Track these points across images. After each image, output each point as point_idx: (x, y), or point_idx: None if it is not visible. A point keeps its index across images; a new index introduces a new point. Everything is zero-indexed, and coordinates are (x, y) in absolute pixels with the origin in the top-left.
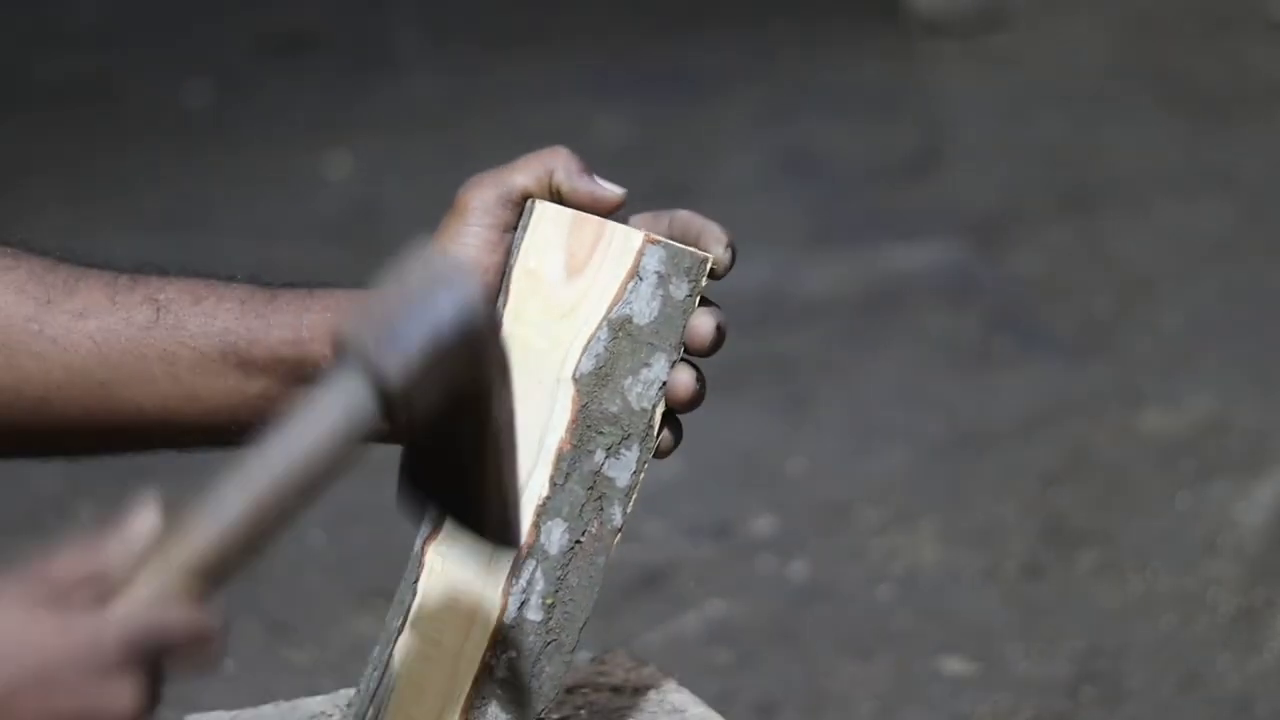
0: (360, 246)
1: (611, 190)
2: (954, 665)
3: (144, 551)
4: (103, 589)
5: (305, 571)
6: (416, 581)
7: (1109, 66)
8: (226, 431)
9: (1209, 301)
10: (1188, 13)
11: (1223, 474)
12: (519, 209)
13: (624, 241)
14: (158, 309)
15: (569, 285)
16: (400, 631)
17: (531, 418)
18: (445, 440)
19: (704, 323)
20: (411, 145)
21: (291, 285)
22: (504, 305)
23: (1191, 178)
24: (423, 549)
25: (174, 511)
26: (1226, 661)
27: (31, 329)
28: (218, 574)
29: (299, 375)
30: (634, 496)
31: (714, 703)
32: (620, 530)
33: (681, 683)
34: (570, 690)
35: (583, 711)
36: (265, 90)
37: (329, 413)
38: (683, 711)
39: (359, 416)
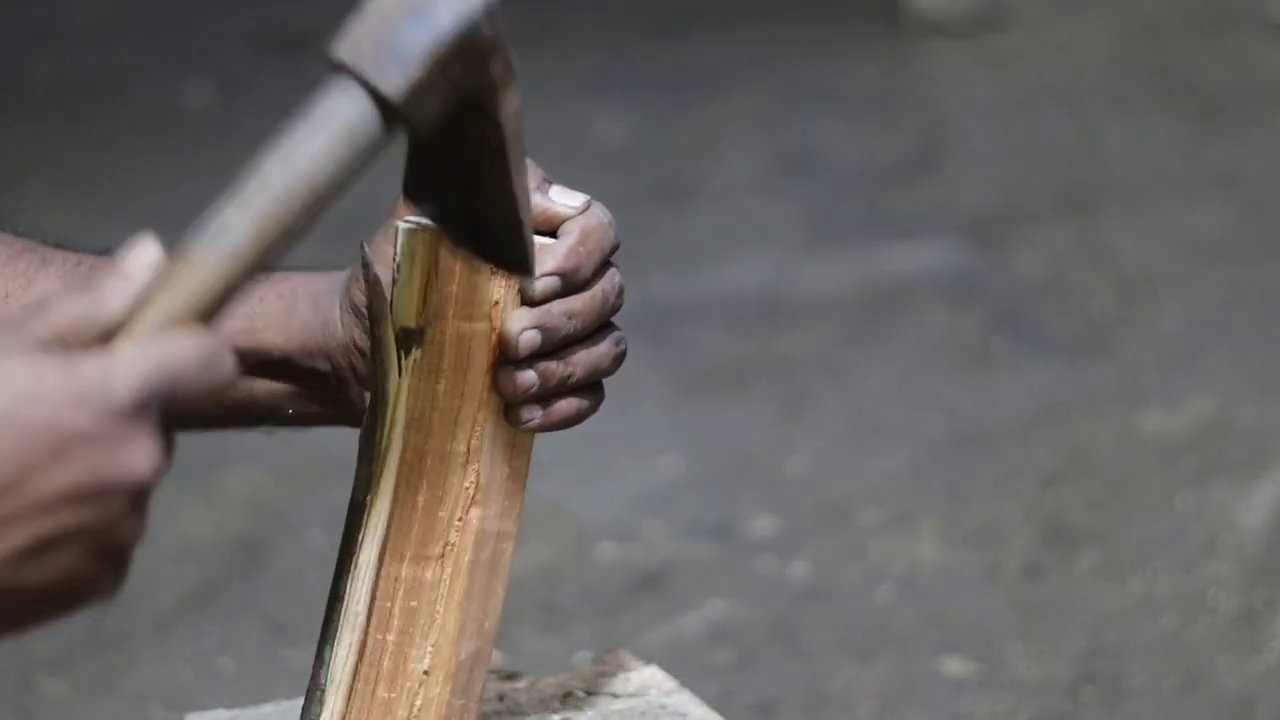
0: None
1: (566, 204)
2: (954, 665)
3: (148, 287)
4: (107, 331)
5: (305, 571)
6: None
7: (1109, 66)
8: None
9: (1209, 301)
10: (1188, 13)
11: (1223, 474)
12: None
13: None
14: None
15: None
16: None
17: None
18: (452, 148)
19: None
20: None
21: None
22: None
23: (1191, 178)
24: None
25: (175, 244)
26: (1227, 661)
27: None
28: (225, 300)
29: (248, 367)
30: None
31: (714, 703)
32: None
33: (682, 683)
34: (571, 691)
35: (583, 712)
36: (265, 90)
37: (328, 127)
38: (684, 714)
39: (359, 130)
